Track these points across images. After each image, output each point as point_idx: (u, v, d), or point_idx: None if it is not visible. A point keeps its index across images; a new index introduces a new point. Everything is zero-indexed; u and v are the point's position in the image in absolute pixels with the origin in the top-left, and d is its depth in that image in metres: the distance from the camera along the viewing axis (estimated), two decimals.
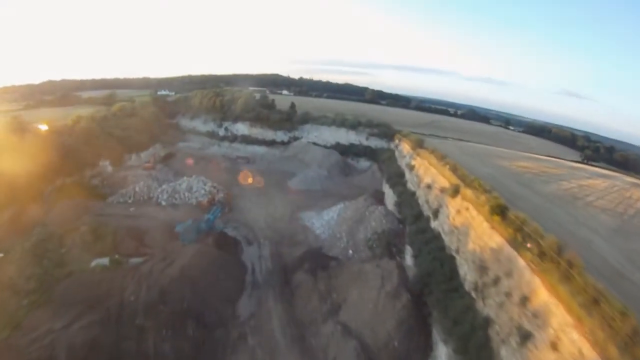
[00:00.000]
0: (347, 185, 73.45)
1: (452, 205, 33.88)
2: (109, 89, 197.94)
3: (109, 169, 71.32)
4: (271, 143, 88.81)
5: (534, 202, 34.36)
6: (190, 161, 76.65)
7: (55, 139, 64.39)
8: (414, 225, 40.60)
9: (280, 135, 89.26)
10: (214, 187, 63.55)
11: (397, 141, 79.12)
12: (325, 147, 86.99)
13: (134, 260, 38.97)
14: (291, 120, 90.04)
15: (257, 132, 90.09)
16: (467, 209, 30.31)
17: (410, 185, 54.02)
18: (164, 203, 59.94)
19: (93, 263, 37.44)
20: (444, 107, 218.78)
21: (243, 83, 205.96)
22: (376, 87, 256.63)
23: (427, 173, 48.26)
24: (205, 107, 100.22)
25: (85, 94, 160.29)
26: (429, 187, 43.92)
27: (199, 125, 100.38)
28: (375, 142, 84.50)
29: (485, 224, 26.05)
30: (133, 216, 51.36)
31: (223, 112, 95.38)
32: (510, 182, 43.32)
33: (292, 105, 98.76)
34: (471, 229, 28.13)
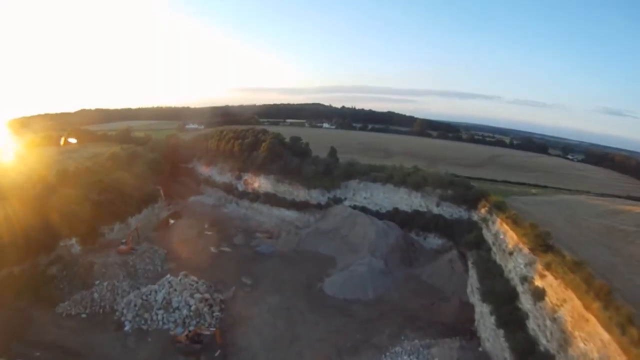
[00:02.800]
0: (413, 286, 48.57)
1: None
2: (142, 120, 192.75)
3: (76, 249, 50.88)
4: (303, 206, 65.52)
5: None
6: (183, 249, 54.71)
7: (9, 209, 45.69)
8: None
9: (316, 196, 65.64)
10: (206, 300, 40.52)
11: (484, 212, 52.68)
12: (378, 213, 62.12)
13: None
14: (331, 173, 66.22)
15: (285, 190, 67.27)
16: None
17: (535, 328, 28.24)
18: (127, 326, 38.62)
19: None
20: (493, 135, 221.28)
21: (284, 114, 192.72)
22: (420, 115, 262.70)
23: (577, 319, 22.60)
24: (222, 151, 79.47)
25: (105, 127, 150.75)
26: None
27: (215, 174, 79.64)
28: (450, 210, 58.46)
29: None
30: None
31: (243, 159, 73.66)
32: None
33: (333, 152, 75.15)
34: None
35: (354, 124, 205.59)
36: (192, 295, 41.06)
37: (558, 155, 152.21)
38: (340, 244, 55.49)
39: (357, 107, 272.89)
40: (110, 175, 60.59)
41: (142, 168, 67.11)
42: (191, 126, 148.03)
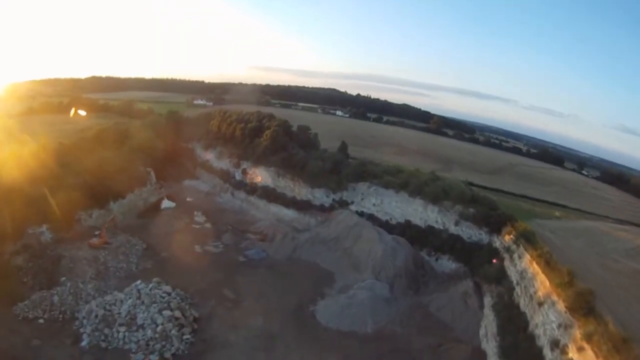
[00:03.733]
0: (420, 320, 42.45)
1: None
2: (153, 92, 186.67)
3: (46, 237, 45.36)
4: (304, 206, 59.08)
5: None
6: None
7: None
8: None
9: (320, 196, 58.93)
10: (176, 319, 34.71)
11: (509, 240, 45.88)
12: (387, 223, 55.33)
13: None
14: (339, 172, 59.20)
15: (286, 185, 60.65)
16: None
17: None
18: (85, 341, 33.63)
19: None
20: (506, 139, 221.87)
21: (298, 97, 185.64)
22: (435, 110, 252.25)
23: None
24: (223, 134, 72.66)
25: (113, 96, 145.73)
26: None
27: (213, 159, 73.02)
28: (469, 232, 51.39)
29: None
30: None
31: (244, 146, 66.83)
32: None
33: (343, 147, 67.96)
34: None
35: (368, 114, 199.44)
36: (161, 312, 35.09)
37: (573, 170, 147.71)
38: (341, 257, 48.96)
39: (372, 97, 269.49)
40: (94, 155, 54.37)
41: (132, 147, 60.70)
42: (199, 102, 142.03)
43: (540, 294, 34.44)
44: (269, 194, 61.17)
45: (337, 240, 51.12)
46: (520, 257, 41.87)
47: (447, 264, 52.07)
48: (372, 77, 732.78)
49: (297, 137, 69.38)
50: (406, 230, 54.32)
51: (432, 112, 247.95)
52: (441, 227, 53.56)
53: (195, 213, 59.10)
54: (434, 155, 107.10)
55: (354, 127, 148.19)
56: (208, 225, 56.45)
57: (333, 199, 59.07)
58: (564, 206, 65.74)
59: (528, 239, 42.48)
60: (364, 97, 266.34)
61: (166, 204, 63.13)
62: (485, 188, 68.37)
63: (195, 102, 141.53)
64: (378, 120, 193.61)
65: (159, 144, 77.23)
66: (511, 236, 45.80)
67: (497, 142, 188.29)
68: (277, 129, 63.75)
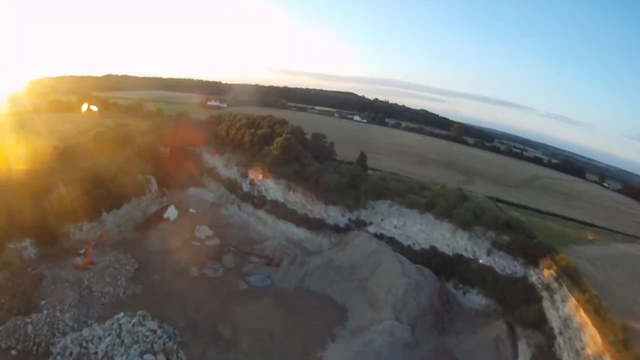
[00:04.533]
0: None
1: None
2: (168, 91, 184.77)
3: (30, 253, 41.22)
4: (317, 225, 53.47)
5: None
6: None
7: None
8: None
9: (334, 215, 53.18)
10: None
11: (549, 276, 39.97)
12: (410, 249, 49.44)
13: None
14: (357, 188, 53.47)
15: (297, 201, 55.10)
16: None
17: None
18: None
19: None
20: (524, 147, 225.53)
21: (315, 100, 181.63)
22: (452, 117, 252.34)
23: None
24: (232, 139, 67.72)
25: (125, 94, 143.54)
26: None
27: (220, 166, 68.09)
28: (502, 263, 45.16)
29: None
30: None
31: (252, 153, 61.71)
32: None
33: (362, 159, 62.11)
34: None
35: (386, 120, 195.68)
36: (142, 355, 29.89)
37: (595, 182, 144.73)
38: (356, 290, 43.01)
39: (390, 101, 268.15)
40: (89, 160, 49.86)
41: (132, 152, 56.14)
42: (213, 103, 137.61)
43: (589, 351, 28.76)
44: (278, 210, 55.65)
45: (352, 270, 45.13)
46: (563, 300, 36.12)
47: (476, 298, 45.59)
48: (390, 81, 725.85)
49: (311, 146, 63.81)
50: (431, 260, 48.19)
51: (450, 118, 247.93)
52: (471, 256, 47.28)
53: (197, 227, 54.12)
54: (455, 165, 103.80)
55: (372, 133, 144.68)
56: (209, 242, 51.32)
57: (349, 219, 53.17)
58: (592, 225, 61.55)
59: (571, 277, 36.93)
60: (382, 101, 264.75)
61: (171, 212, 58.60)
62: (510, 204, 64.66)
63: (209, 103, 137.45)
64: (397, 126, 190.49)
65: (163, 148, 73.15)
66: (551, 271, 39.78)
67: (518, 151, 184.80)
68: (289, 137, 58.18)
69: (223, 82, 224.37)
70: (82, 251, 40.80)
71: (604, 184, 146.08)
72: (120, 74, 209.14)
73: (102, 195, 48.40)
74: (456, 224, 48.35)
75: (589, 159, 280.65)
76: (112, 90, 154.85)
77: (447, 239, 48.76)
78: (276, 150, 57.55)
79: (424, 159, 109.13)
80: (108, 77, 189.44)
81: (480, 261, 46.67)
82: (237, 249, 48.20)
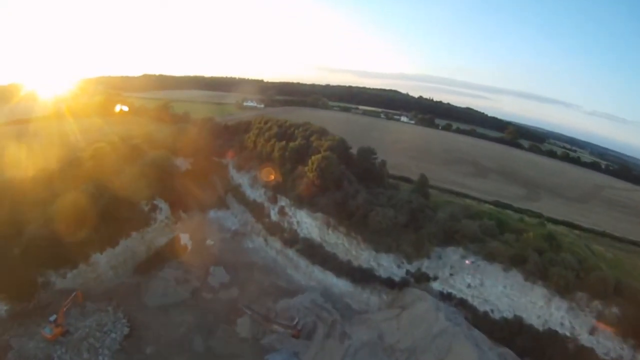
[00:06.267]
0: None
1: None
2: (203, 90, 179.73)
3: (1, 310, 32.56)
4: (364, 277, 41.25)
5: None
6: None
7: None
8: None
9: (387, 265, 40.65)
10: None
11: None
12: (486, 316, 36.96)
13: None
14: (419, 228, 40.19)
15: (338, 242, 42.90)
16: None
17: None
18: None
19: None
20: (572, 148, 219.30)
21: (358, 99, 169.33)
22: (497, 115, 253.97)
23: None
24: (259, 152, 56.78)
25: (160, 94, 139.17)
26: None
27: (246, 184, 57.41)
28: (606, 344, 31.88)
29: None
30: None
31: (283, 172, 50.27)
32: None
33: (422, 183, 49.16)
34: None
35: (436, 121, 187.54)
36: None
37: None
38: None
39: (434, 99, 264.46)
40: (78, 187, 40.38)
41: (138, 171, 46.41)
42: (250, 103, 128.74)
43: None
44: (314, 251, 43.65)
45: (411, 354, 32.27)
46: None
47: None
48: (430, 78, 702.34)
49: (356, 164, 51.20)
50: (516, 337, 34.70)
51: (498, 117, 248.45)
52: (567, 334, 33.63)
53: (211, 270, 43.54)
54: (515, 175, 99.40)
55: (423, 138, 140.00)
56: (224, 294, 40.60)
57: (407, 271, 40.13)
58: None
59: None
60: (426, 99, 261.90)
61: (184, 241, 49.15)
62: (586, 230, 58.69)
63: (245, 103, 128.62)
64: (447, 128, 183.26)
65: (183, 159, 63.61)
66: None
67: (574, 155, 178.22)
68: (328, 155, 45.62)
69: (265, 80, 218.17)
70: (52, 318, 31.05)
71: None
72: (157, 73, 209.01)
73: (93, 231, 38.91)
74: (553, 289, 34.41)
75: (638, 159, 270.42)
76: (150, 90, 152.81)
77: (539, 308, 35.35)
78: (312, 172, 45.43)
79: (482, 168, 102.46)
80: (144, 77, 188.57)
81: (580, 341, 32.77)
82: (256, 313, 36.73)
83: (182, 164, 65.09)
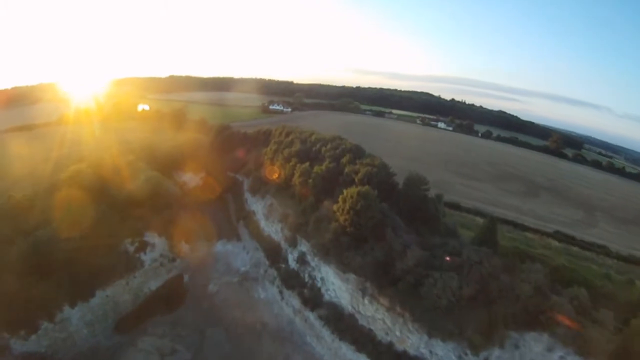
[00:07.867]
0: None
1: None
2: (233, 92, 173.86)
3: None
4: None
5: None
6: None
7: None
8: None
9: (443, 354, 29.87)
10: None
11: None
12: None
13: None
14: (489, 301, 28.80)
15: (377, 317, 32.09)
16: None
17: None
18: None
19: None
20: (606, 153, 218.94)
21: (391, 102, 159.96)
22: (529, 118, 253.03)
23: None
24: (278, 173, 46.74)
25: (184, 96, 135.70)
26: None
27: (260, 213, 47.57)
28: None
29: None
30: None
31: (306, 207, 40.07)
32: None
33: (490, 230, 37.30)
34: None
35: (475, 128, 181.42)
36: None
37: None
38: None
39: (467, 102, 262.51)
40: (46, 221, 31.56)
41: (126, 199, 37.25)
42: (276, 107, 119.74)
43: None
44: (343, 323, 32.88)
45: None
46: None
47: None
48: (460, 80, 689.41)
49: (403, 199, 40.03)
50: None
51: (532, 120, 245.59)
52: None
53: (209, 334, 33.82)
54: (568, 193, 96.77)
55: (464, 149, 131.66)
56: None
57: None
58: None
59: None
60: (459, 102, 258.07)
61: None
62: None
63: (271, 107, 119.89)
64: (487, 135, 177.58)
65: (193, 175, 54.68)
66: None
67: (620, 166, 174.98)
68: (367, 193, 34.48)
69: (295, 81, 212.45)
70: None
71: None
72: (183, 74, 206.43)
73: (62, 281, 30.04)
74: None
75: None
76: (176, 91, 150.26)
77: None
78: (343, 215, 34.61)
79: (532, 185, 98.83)
80: (171, 78, 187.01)
81: None
82: None
83: (191, 179, 56.35)
